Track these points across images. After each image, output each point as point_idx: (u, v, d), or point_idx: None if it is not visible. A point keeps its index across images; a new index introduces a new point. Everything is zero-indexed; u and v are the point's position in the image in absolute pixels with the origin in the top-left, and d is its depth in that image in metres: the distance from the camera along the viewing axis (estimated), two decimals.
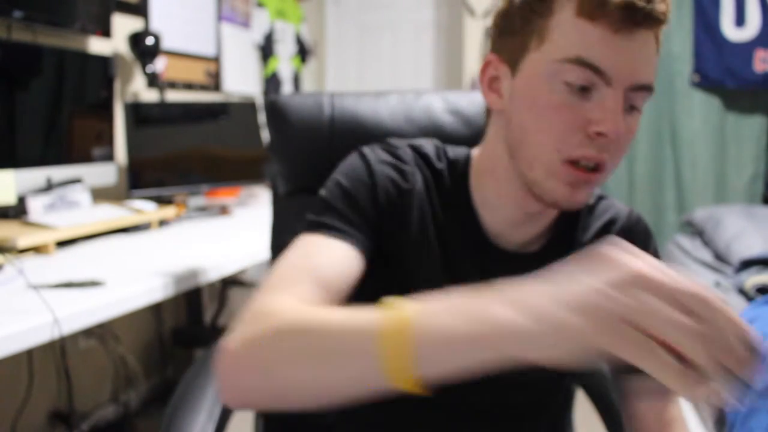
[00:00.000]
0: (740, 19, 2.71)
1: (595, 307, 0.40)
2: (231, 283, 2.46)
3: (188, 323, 2.41)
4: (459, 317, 0.45)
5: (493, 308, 0.44)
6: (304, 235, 0.68)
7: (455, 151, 0.78)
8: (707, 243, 2.34)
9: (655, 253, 0.82)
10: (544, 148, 0.64)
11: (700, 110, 2.84)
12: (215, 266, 1.42)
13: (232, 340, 0.54)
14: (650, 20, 0.61)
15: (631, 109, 0.64)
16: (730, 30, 2.73)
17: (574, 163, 0.64)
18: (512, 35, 0.67)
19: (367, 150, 0.75)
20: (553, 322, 0.42)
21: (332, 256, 0.66)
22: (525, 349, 0.43)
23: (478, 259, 0.74)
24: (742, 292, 1.78)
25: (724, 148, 2.85)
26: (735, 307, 1.67)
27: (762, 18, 2.66)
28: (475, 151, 0.77)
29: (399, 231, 0.73)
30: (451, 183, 0.76)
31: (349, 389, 0.49)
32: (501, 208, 0.74)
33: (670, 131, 2.91)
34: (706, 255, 2.27)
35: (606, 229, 0.79)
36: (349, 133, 0.98)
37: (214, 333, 2.31)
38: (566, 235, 0.78)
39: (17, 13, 1.62)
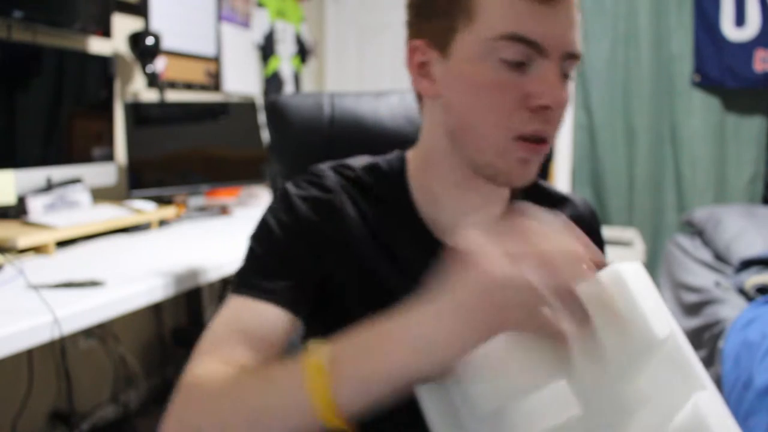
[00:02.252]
0: (740, 19, 2.71)
1: (472, 317, 0.47)
2: (231, 283, 2.46)
3: (188, 323, 2.41)
4: (362, 358, 0.50)
5: (386, 348, 0.49)
6: (233, 296, 0.68)
7: (386, 159, 0.76)
8: (707, 243, 2.34)
9: (599, 235, 0.84)
10: (492, 128, 0.63)
11: (700, 110, 2.84)
12: (215, 266, 1.42)
13: (168, 421, 0.57)
14: None
15: (564, 78, 0.64)
16: (730, 30, 2.73)
17: (523, 138, 0.63)
18: (436, 17, 0.65)
19: (289, 186, 0.73)
20: (438, 346, 0.48)
21: (260, 318, 0.66)
22: (417, 374, 0.49)
23: (432, 258, 0.70)
24: (742, 292, 1.78)
25: (724, 148, 2.85)
26: (735, 307, 1.67)
27: (762, 18, 2.66)
28: (410, 152, 0.76)
29: (343, 255, 0.71)
30: (388, 189, 0.73)
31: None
32: (448, 201, 0.72)
33: (670, 131, 2.91)
34: (706, 255, 2.27)
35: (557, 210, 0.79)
36: (349, 133, 0.98)
37: None
38: None
39: (17, 13, 1.62)
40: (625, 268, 0.59)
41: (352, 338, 0.51)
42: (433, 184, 0.72)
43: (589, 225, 0.81)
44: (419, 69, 0.68)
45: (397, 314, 0.51)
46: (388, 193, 0.73)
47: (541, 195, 0.80)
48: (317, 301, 0.72)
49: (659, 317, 0.58)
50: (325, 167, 0.75)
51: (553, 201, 0.81)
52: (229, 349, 0.63)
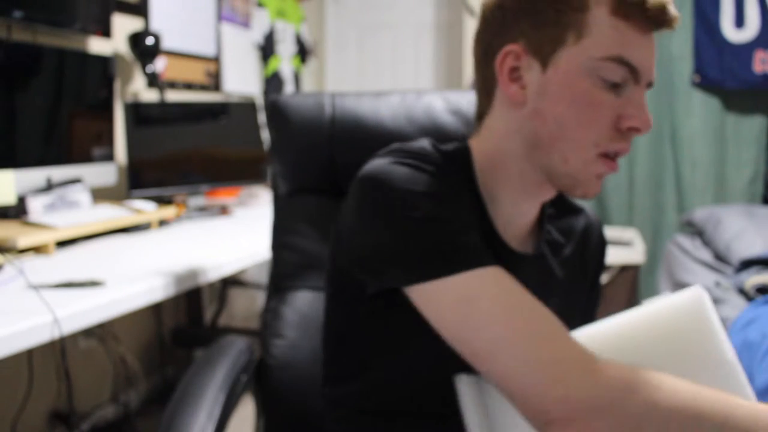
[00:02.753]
0: (740, 21, 2.71)
1: None
2: (231, 283, 2.46)
3: (188, 323, 2.41)
4: None
5: None
6: (476, 271, 0.60)
7: (448, 147, 0.73)
8: (707, 243, 2.34)
9: (605, 242, 0.89)
10: (583, 142, 0.66)
11: (700, 110, 2.84)
12: (215, 266, 1.42)
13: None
14: (669, 23, 0.65)
15: (647, 85, 0.68)
16: (729, 31, 2.73)
17: (606, 155, 0.67)
18: (543, 27, 0.66)
19: (416, 161, 0.66)
20: None
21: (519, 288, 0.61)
22: None
23: (498, 256, 0.68)
24: (742, 292, 1.78)
25: (724, 148, 2.85)
26: (735, 307, 1.67)
27: (761, 19, 2.67)
28: (474, 144, 0.74)
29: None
30: (459, 178, 0.70)
31: None
32: (505, 202, 0.73)
33: (670, 131, 2.91)
34: (706, 255, 2.27)
35: (574, 228, 0.84)
36: (349, 133, 0.98)
37: (214, 333, 2.31)
38: (549, 232, 0.81)
39: (17, 13, 1.62)
40: (700, 292, 0.62)
41: None
42: (496, 184, 0.72)
43: (598, 233, 0.88)
44: (510, 73, 0.68)
45: None
46: (459, 180, 0.70)
47: (563, 204, 0.85)
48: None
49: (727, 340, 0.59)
50: (416, 145, 0.70)
51: (573, 210, 0.86)
52: (569, 337, 0.58)
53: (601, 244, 0.88)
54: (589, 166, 0.67)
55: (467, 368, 0.63)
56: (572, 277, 0.82)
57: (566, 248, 0.82)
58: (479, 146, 0.73)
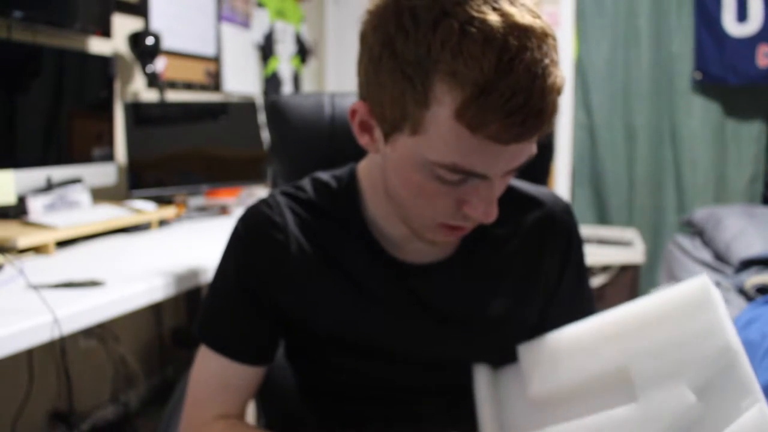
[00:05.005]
0: (742, 14, 2.70)
1: None
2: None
3: (188, 323, 2.41)
4: None
5: None
6: (204, 349, 0.76)
7: (337, 175, 0.78)
8: (707, 243, 2.34)
9: (574, 233, 0.81)
10: (419, 214, 0.66)
11: (700, 110, 2.84)
12: (215, 266, 1.41)
13: None
14: (531, 134, 0.56)
15: (507, 174, 0.62)
16: (732, 25, 2.72)
17: (448, 226, 0.66)
18: (384, 103, 0.60)
19: (239, 227, 0.76)
20: None
21: (235, 375, 0.76)
22: None
23: (389, 273, 0.74)
24: (742, 292, 1.78)
25: (724, 148, 2.85)
26: (735, 307, 1.67)
27: (765, 12, 2.64)
28: (361, 165, 0.77)
29: (298, 290, 0.74)
30: (340, 209, 0.75)
31: None
32: (393, 222, 0.73)
33: (670, 131, 2.91)
34: (706, 255, 2.27)
35: (523, 222, 0.79)
36: (349, 133, 0.98)
37: None
38: (481, 230, 0.75)
39: (17, 13, 1.61)
40: (706, 281, 0.61)
41: None
42: (384, 201, 0.73)
43: (561, 223, 0.80)
44: (360, 125, 0.66)
45: None
46: (340, 213, 0.75)
47: (505, 197, 0.76)
48: (288, 328, 0.77)
49: (732, 329, 0.59)
50: (278, 194, 0.77)
51: (519, 202, 0.80)
52: (217, 405, 0.75)
53: (566, 233, 0.80)
54: (430, 231, 0.67)
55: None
56: (524, 272, 0.78)
57: (511, 243, 0.77)
58: (365, 168, 0.76)
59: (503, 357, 0.77)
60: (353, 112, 0.66)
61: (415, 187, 0.62)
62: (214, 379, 0.75)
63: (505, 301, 0.76)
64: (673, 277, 2.26)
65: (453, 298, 0.75)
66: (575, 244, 0.82)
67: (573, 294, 0.82)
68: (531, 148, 0.60)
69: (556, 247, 0.80)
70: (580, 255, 0.82)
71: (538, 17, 0.55)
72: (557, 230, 0.80)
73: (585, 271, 0.84)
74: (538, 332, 0.77)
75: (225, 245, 0.78)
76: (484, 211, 0.61)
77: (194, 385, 0.76)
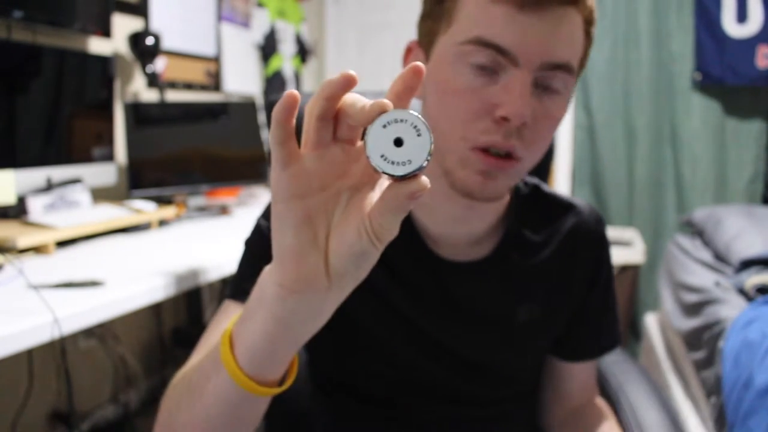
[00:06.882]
0: (742, 15, 2.70)
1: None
2: (227, 285, 2.45)
3: (188, 323, 2.41)
4: (246, 320, 0.45)
5: (253, 310, 0.44)
6: (227, 301, 0.70)
7: None
8: (707, 243, 2.34)
9: (605, 242, 0.80)
10: (450, 135, 0.61)
11: (700, 110, 2.84)
12: (215, 266, 1.42)
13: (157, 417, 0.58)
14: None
15: (546, 90, 0.60)
16: (731, 26, 2.72)
17: (483, 150, 0.60)
18: (426, 18, 0.65)
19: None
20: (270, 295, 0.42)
21: None
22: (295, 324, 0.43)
23: (425, 264, 0.72)
24: (742, 292, 1.78)
25: (724, 148, 2.85)
26: (735, 307, 1.67)
27: (765, 13, 2.64)
28: None
29: None
30: None
31: (220, 409, 0.49)
32: (437, 210, 0.70)
33: (670, 131, 2.91)
34: (706, 255, 2.27)
35: (559, 228, 0.77)
36: None
37: None
38: (517, 234, 0.75)
39: (17, 13, 1.62)
40: None
41: (248, 301, 0.47)
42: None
43: (594, 232, 0.79)
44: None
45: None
46: None
47: (542, 203, 0.78)
48: None
49: None
50: None
51: (556, 209, 0.79)
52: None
53: (599, 240, 0.80)
54: (466, 163, 0.61)
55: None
56: (557, 280, 0.76)
57: (545, 250, 0.76)
58: None
59: (525, 362, 0.78)
60: (405, 57, 0.69)
61: (444, 87, 0.61)
62: (223, 326, 0.68)
63: (535, 307, 0.75)
64: (673, 277, 2.26)
65: (483, 300, 0.73)
66: (605, 249, 0.81)
67: (603, 301, 0.82)
68: (566, 39, 0.58)
69: (590, 253, 0.79)
70: (608, 260, 0.82)
71: None
72: (590, 236, 0.79)
73: (612, 282, 0.83)
74: (563, 346, 0.78)
75: (259, 214, 0.74)
76: (510, 106, 0.57)
77: (209, 332, 0.69)
